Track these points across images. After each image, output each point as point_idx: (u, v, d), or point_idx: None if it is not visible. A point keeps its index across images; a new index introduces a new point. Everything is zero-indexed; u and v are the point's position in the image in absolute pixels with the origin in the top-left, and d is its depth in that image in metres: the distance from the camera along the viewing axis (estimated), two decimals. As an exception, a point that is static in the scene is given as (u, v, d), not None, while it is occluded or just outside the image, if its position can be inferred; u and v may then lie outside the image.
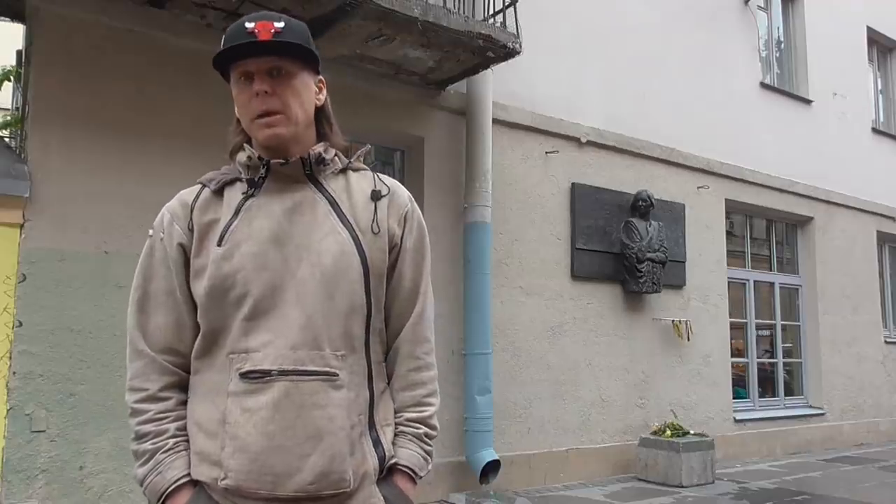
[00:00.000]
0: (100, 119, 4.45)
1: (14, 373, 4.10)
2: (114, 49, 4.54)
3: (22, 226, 4.19)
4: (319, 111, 1.46)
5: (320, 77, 1.47)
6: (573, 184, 6.92)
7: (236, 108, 1.43)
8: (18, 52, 6.43)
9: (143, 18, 4.62)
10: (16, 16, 5.03)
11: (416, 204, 1.53)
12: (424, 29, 4.83)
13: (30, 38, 4.72)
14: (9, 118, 7.59)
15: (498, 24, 5.42)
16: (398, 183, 1.53)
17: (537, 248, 6.59)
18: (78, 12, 4.42)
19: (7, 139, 6.75)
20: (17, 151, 5.02)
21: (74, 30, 4.42)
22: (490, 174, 5.97)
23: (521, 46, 5.39)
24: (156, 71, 4.66)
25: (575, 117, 6.99)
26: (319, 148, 1.43)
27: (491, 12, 5.62)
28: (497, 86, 6.11)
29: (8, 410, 4.06)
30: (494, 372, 5.87)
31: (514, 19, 5.44)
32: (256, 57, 1.35)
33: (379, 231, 1.42)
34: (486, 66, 5.65)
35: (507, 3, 5.55)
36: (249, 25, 1.35)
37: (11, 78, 7.21)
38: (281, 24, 1.36)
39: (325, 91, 1.48)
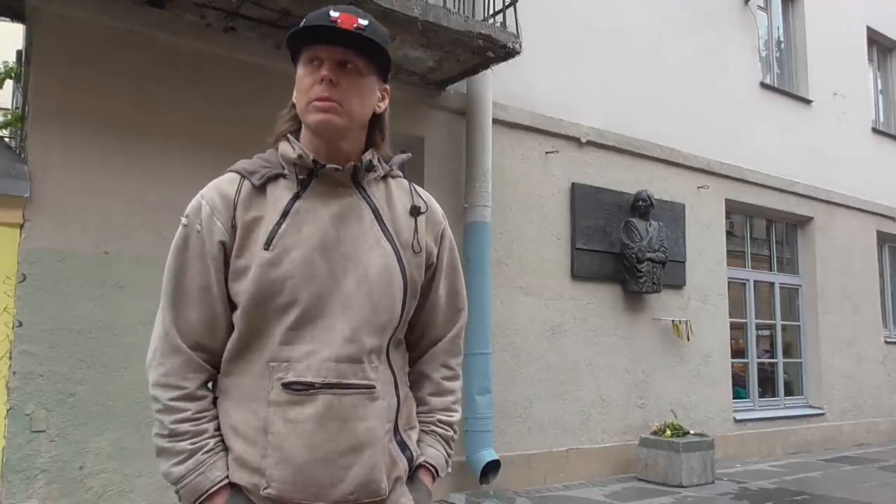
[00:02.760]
0: (100, 119, 4.45)
1: (14, 373, 4.09)
2: (114, 49, 4.53)
3: (22, 226, 4.19)
4: (376, 118, 1.44)
5: (386, 86, 1.45)
6: (573, 184, 6.92)
7: (295, 91, 1.40)
8: (18, 52, 6.43)
9: (143, 18, 4.62)
10: (16, 16, 5.03)
11: (447, 220, 1.56)
12: (424, 29, 4.83)
13: (30, 38, 4.71)
14: (9, 118, 7.59)
15: (498, 24, 5.42)
16: (432, 197, 1.54)
17: (537, 248, 6.59)
18: (78, 12, 4.42)
19: (7, 139, 6.76)
20: (17, 151, 5.02)
21: (74, 30, 4.42)
22: (490, 174, 5.97)
23: (521, 46, 5.39)
24: (156, 71, 4.66)
25: (575, 117, 6.99)
26: (370, 155, 1.42)
27: (491, 12, 5.62)
28: (497, 86, 6.11)
29: (8, 410, 4.06)
30: (494, 372, 5.87)
31: (514, 19, 5.44)
32: (332, 45, 1.33)
33: (420, 250, 1.44)
34: (486, 66, 5.65)
35: (507, 3, 5.55)
36: (334, 14, 1.32)
37: (13, 75, 7.21)
38: (365, 22, 1.34)
39: (387, 101, 1.46)
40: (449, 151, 6.09)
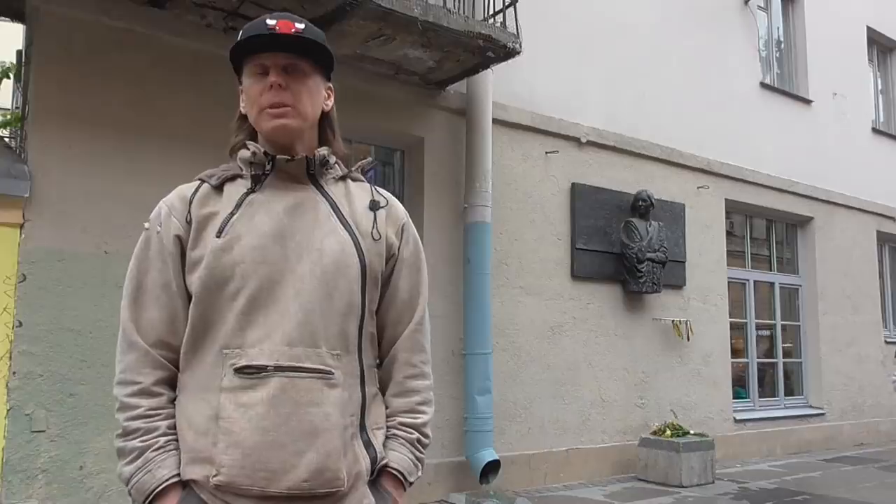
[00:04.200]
0: (100, 119, 4.46)
1: (14, 373, 4.10)
2: (114, 49, 4.54)
3: (22, 226, 4.19)
4: (324, 117, 1.48)
5: (330, 84, 1.49)
6: (573, 184, 6.92)
7: (244, 103, 1.45)
8: (18, 52, 6.43)
9: (143, 18, 4.62)
10: (16, 16, 5.03)
11: (410, 219, 1.56)
12: (424, 29, 4.83)
13: (30, 38, 4.72)
14: (9, 118, 7.58)
15: (498, 24, 5.42)
16: (394, 197, 1.56)
17: (537, 248, 6.59)
18: (78, 12, 4.42)
19: (7, 139, 6.75)
20: (17, 151, 5.02)
21: (74, 30, 4.42)
22: (490, 174, 5.97)
23: (521, 46, 5.39)
24: (156, 71, 4.66)
25: (575, 117, 6.99)
26: (324, 151, 1.45)
27: (491, 12, 5.62)
28: (497, 86, 6.11)
29: (8, 410, 4.06)
30: (494, 372, 5.87)
31: (514, 19, 5.44)
32: (274, 52, 1.37)
33: (379, 238, 1.44)
34: (486, 66, 5.65)
35: (507, 3, 5.54)
36: (271, 22, 1.37)
37: (11, 75, 7.20)
38: (302, 26, 1.38)
39: (332, 99, 1.50)
40: (449, 151, 6.09)
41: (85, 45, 4.45)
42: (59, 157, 4.33)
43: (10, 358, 4.10)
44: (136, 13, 4.59)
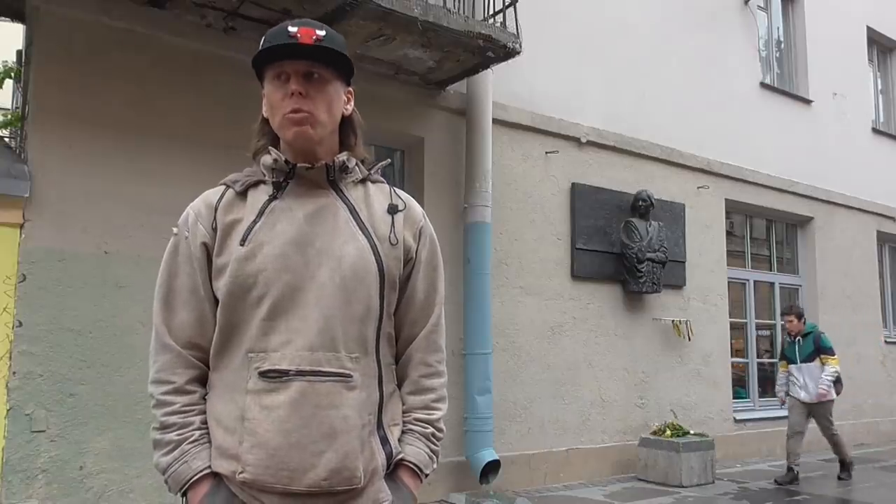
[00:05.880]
0: (100, 119, 4.45)
1: (14, 373, 4.09)
2: (114, 49, 4.54)
3: (22, 226, 4.19)
4: (346, 120, 1.52)
5: (350, 88, 1.53)
6: (573, 184, 6.92)
7: (266, 108, 1.49)
8: (18, 52, 6.43)
9: (143, 18, 4.62)
10: (16, 16, 5.04)
11: (428, 220, 1.59)
12: (424, 29, 4.83)
13: (30, 38, 4.72)
14: (9, 118, 7.58)
15: (498, 24, 5.42)
16: (412, 198, 1.60)
17: (537, 248, 6.59)
18: (78, 12, 4.42)
19: (7, 139, 6.75)
20: (17, 151, 5.02)
21: (74, 30, 4.42)
22: (490, 174, 5.97)
23: (521, 46, 5.39)
24: (156, 71, 4.66)
25: (575, 117, 6.99)
26: (343, 156, 1.49)
27: (491, 12, 5.62)
28: (497, 86, 6.11)
29: (8, 410, 4.06)
30: (494, 372, 5.87)
31: (514, 19, 5.44)
32: (295, 59, 1.41)
33: (397, 242, 1.48)
34: (486, 66, 5.66)
35: (507, 3, 5.55)
36: (292, 30, 1.40)
37: (12, 75, 7.20)
38: (323, 33, 1.42)
39: (352, 102, 1.54)
40: (449, 151, 6.09)
41: (85, 45, 4.45)
42: (59, 157, 4.32)
43: (10, 358, 4.10)
44: (136, 13, 4.59)
